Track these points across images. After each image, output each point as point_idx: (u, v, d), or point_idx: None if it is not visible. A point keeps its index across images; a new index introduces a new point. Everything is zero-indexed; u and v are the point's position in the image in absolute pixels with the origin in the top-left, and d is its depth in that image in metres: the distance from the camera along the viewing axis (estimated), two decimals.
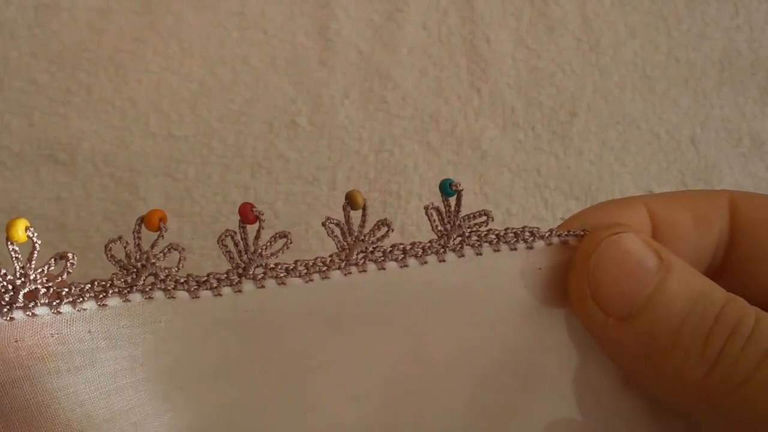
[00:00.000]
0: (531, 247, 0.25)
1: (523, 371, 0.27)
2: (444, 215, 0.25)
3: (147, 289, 0.23)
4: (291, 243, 0.24)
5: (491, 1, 0.52)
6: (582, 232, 0.26)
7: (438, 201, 0.26)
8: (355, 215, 0.24)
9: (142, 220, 0.23)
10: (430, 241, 0.25)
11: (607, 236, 0.25)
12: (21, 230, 0.21)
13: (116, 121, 0.47)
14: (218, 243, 0.23)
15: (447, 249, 0.25)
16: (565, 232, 0.26)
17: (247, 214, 0.23)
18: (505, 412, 0.27)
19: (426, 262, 0.25)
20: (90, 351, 0.23)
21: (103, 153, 0.46)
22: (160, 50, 0.48)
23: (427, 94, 0.49)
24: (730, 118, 0.51)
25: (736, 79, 0.51)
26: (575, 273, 0.25)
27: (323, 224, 0.24)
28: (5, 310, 0.22)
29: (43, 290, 0.22)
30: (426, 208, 0.25)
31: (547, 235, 0.26)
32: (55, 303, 0.22)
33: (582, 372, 0.27)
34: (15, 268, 0.22)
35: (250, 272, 0.23)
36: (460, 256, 0.25)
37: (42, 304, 0.22)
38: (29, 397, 0.22)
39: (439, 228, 0.25)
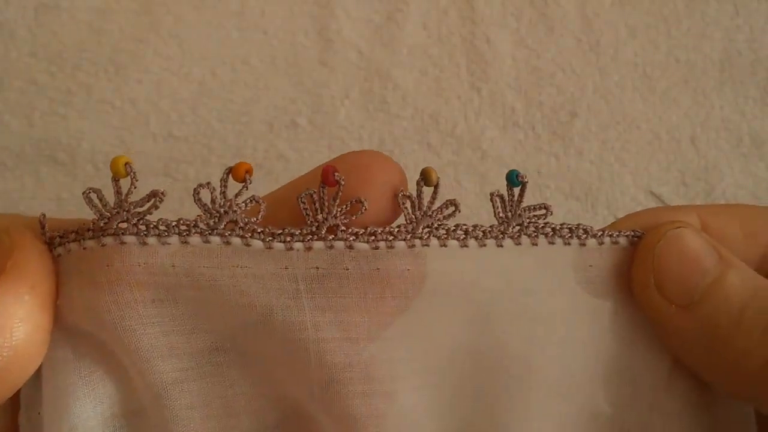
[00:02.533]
0: (584, 244, 0.27)
1: (565, 368, 0.27)
2: (507, 203, 0.26)
3: (226, 234, 0.24)
4: (366, 209, 0.25)
5: (491, 1, 0.52)
6: (632, 233, 0.27)
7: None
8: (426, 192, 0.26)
9: (230, 170, 0.24)
10: (491, 226, 0.26)
11: (671, 229, 0.26)
12: (121, 166, 0.24)
13: (116, 121, 0.47)
14: (298, 200, 0.24)
15: (506, 235, 0.26)
16: (616, 233, 0.27)
17: (329, 176, 0.24)
18: (548, 411, 0.27)
19: (485, 245, 0.26)
20: (173, 286, 0.24)
21: (103, 153, 0.46)
22: (160, 50, 0.48)
23: (427, 94, 0.49)
24: (730, 118, 0.51)
25: (736, 79, 0.51)
26: (639, 262, 0.27)
27: (396, 196, 0.26)
28: (99, 235, 0.23)
29: (134, 221, 0.23)
30: (492, 194, 0.26)
31: (599, 234, 0.27)
32: (142, 234, 0.23)
33: (623, 366, 0.28)
34: (115, 199, 0.24)
35: (322, 232, 0.25)
36: (517, 244, 0.26)
37: (130, 233, 0.23)
38: (117, 321, 0.24)
39: (501, 215, 0.26)
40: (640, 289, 0.27)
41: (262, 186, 0.46)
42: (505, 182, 0.26)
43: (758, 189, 0.50)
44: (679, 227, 0.27)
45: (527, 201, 0.27)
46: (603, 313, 0.27)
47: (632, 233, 0.27)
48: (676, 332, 0.26)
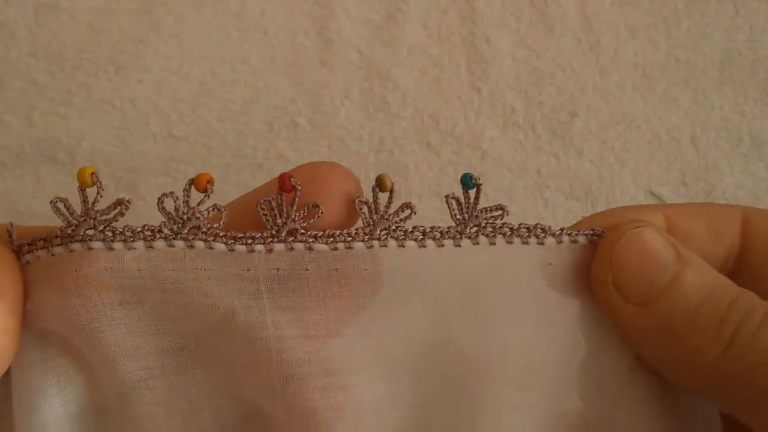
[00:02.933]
0: (542, 243, 0.28)
1: (525, 362, 0.28)
2: (463, 205, 0.27)
3: (190, 238, 0.25)
4: (322, 213, 0.26)
5: (491, 1, 0.52)
6: (591, 232, 0.28)
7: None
8: (381, 198, 0.27)
9: (192, 181, 0.25)
10: (448, 227, 0.27)
11: (630, 228, 0.27)
12: (88, 176, 0.25)
13: (116, 121, 0.47)
14: (258, 206, 0.26)
15: (463, 236, 0.27)
16: (575, 231, 0.28)
17: (285, 183, 0.25)
18: (506, 401, 0.28)
19: (443, 246, 0.27)
20: (139, 289, 0.25)
21: (103, 153, 0.46)
22: (160, 50, 0.48)
23: (427, 94, 0.49)
24: (730, 118, 0.51)
25: (736, 79, 0.51)
26: (598, 261, 0.27)
27: (353, 202, 0.27)
28: (66, 242, 0.24)
29: (100, 227, 0.25)
30: (447, 197, 0.27)
31: (557, 233, 0.28)
32: (109, 239, 0.24)
33: (586, 361, 0.28)
34: (82, 208, 0.25)
35: (282, 235, 0.26)
36: (475, 244, 0.27)
37: (97, 239, 0.24)
38: (85, 323, 0.25)
39: (458, 216, 0.27)
40: (598, 287, 0.27)
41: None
42: (461, 185, 0.27)
43: (758, 189, 0.50)
44: (639, 227, 0.27)
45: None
46: (566, 309, 0.28)
47: (591, 232, 0.28)
48: (634, 330, 0.27)
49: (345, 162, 0.47)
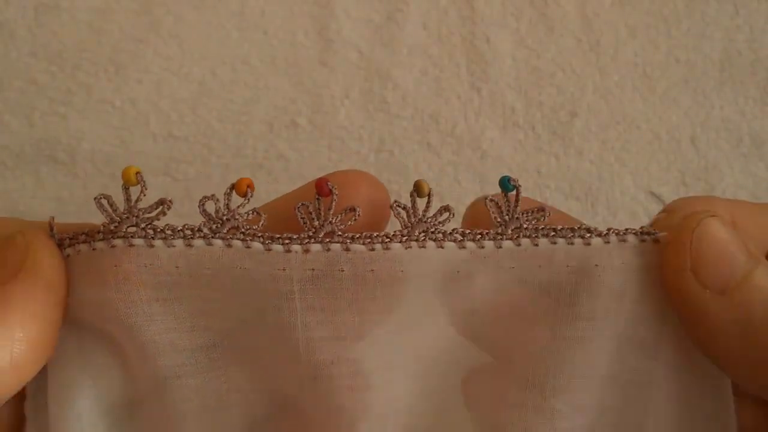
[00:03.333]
0: (588, 243, 0.27)
1: (556, 365, 0.27)
2: (503, 208, 0.27)
3: (228, 237, 0.26)
4: (359, 216, 0.26)
5: (491, 1, 0.52)
6: (640, 230, 0.27)
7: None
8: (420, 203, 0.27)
9: (233, 186, 0.26)
10: (488, 230, 0.27)
11: (707, 216, 0.26)
12: (132, 175, 0.25)
13: (116, 121, 0.47)
14: (295, 210, 0.26)
15: (504, 237, 0.27)
16: (623, 230, 0.27)
17: (323, 187, 0.26)
18: (534, 404, 0.27)
19: (483, 247, 0.26)
20: (177, 286, 0.25)
21: (103, 153, 0.46)
22: (160, 50, 0.48)
23: (427, 94, 0.49)
24: (730, 118, 0.51)
25: (736, 79, 0.51)
26: (675, 246, 0.26)
27: (390, 206, 0.26)
28: (109, 237, 0.25)
29: (142, 225, 0.25)
30: (485, 199, 0.27)
31: (605, 233, 0.27)
32: (150, 237, 0.25)
33: (613, 367, 0.28)
34: (125, 205, 0.25)
35: (320, 236, 0.26)
36: (517, 245, 0.27)
37: (138, 237, 0.25)
38: (123, 318, 0.25)
39: (498, 219, 0.27)
40: (673, 273, 0.26)
41: (262, 186, 0.46)
42: (500, 188, 0.27)
43: (758, 189, 0.50)
44: (714, 215, 0.26)
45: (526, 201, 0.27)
46: (614, 310, 0.27)
47: (641, 230, 0.27)
48: (710, 319, 0.26)
49: (345, 162, 0.47)
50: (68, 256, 0.26)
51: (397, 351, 0.27)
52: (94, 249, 0.25)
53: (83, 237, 0.25)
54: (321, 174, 0.26)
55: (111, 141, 0.46)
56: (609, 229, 0.27)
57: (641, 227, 0.27)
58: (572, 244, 0.27)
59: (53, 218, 0.26)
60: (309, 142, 0.47)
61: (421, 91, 0.49)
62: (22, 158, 0.45)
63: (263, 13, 0.50)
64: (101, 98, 0.47)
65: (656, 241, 0.27)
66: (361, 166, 0.47)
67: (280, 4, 0.50)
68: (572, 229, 0.27)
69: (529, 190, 0.48)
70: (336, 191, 0.26)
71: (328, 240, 0.26)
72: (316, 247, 0.26)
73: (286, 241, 0.26)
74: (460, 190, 0.48)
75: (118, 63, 0.48)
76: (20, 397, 0.26)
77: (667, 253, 0.27)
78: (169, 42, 0.49)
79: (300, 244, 0.26)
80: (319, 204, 0.26)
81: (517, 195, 0.27)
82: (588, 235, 0.27)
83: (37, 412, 0.26)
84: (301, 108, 0.48)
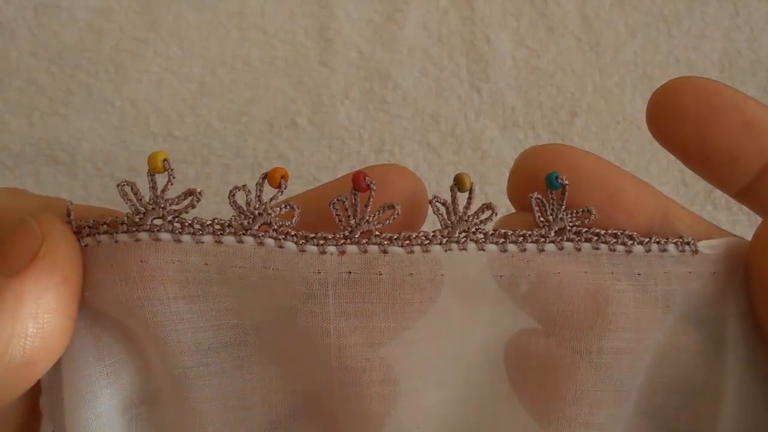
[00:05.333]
0: (630, 251, 0.26)
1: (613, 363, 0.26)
2: (547, 207, 0.25)
3: (260, 235, 0.24)
4: (398, 214, 0.24)
5: (491, 1, 0.52)
6: (680, 240, 0.26)
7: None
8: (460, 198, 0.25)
9: (266, 175, 0.24)
10: (531, 231, 0.25)
11: None
12: (159, 162, 0.24)
13: (116, 121, 0.47)
14: (330, 206, 0.24)
15: (547, 240, 0.25)
16: (664, 240, 0.26)
17: (360, 182, 0.24)
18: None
19: (525, 250, 0.25)
20: (205, 283, 0.24)
21: (103, 153, 0.46)
22: (160, 50, 0.48)
23: (427, 94, 0.49)
24: None
25: (736, 79, 0.51)
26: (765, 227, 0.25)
27: (430, 202, 0.25)
28: (133, 230, 0.23)
29: (169, 218, 0.24)
30: (531, 196, 0.25)
31: (646, 241, 0.26)
32: (177, 231, 0.24)
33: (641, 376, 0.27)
34: (150, 195, 0.24)
35: (356, 236, 0.24)
36: (559, 249, 0.25)
37: (166, 231, 0.23)
38: (148, 316, 0.24)
39: (541, 219, 0.25)
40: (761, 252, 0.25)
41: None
42: (546, 184, 0.25)
43: None
44: None
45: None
46: (654, 319, 0.26)
47: (681, 240, 0.26)
48: None
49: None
50: (86, 245, 0.24)
51: (431, 357, 0.26)
52: (116, 241, 0.23)
53: (105, 227, 0.23)
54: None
55: (111, 141, 0.46)
56: (650, 238, 0.26)
57: (680, 236, 0.26)
58: (614, 250, 0.26)
59: (71, 203, 0.24)
60: (309, 142, 0.47)
61: (421, 91, 0.49)
62: (22, 158, 0.45)
63: (263, 13, 0.50)
64: (101, 98, 0.47)
65: (695, 252, 0.26)
66: (361, 166, 0.47)
67: (280, 4, 0.50)
68: (615, 235, 0.26)
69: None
70: (374, 186, 0.24)
71: (365, 241, 0.24)
72: (352, 249, 0.24)
73: (321, 242, 0.24)
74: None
75: (118, 63, 0.48)
76: (35, 391, 0.25)
77: (752, 246, 0.26)
78: (169, 42, 0.49)
79: (335, 245, 0.24)
80: (355, 200, 0.24)
81: (563, 194, 0.25)
82: (630, 242, 0.26)
83: (53, 409, 0.25)
84: (301, 108, 0.48)
